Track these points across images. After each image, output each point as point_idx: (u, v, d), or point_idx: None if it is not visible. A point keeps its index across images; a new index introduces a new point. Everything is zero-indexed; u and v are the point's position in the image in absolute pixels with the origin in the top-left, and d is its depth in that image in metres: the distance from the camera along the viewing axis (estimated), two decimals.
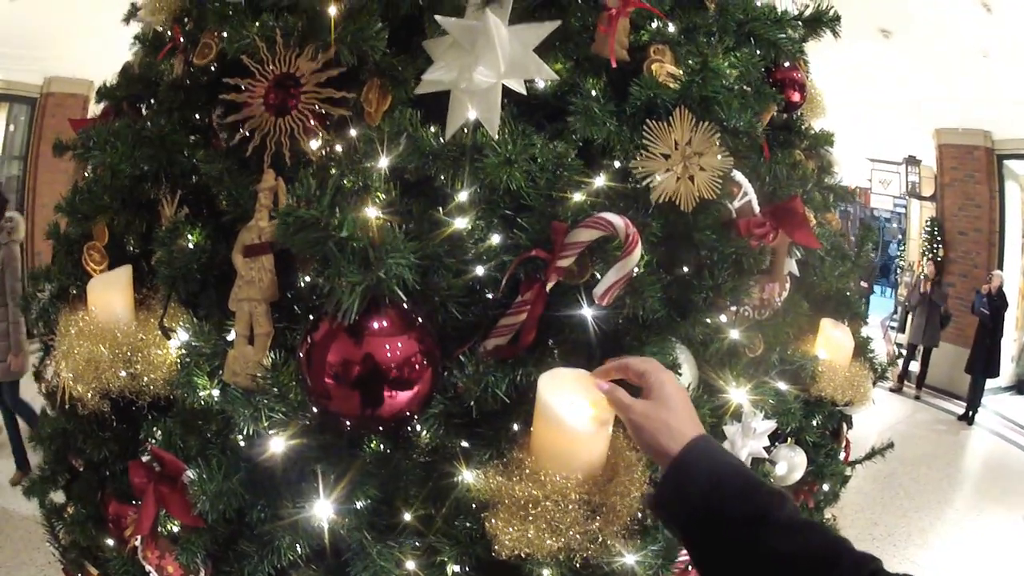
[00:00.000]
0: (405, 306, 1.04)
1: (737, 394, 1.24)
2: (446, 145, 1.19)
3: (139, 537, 1.35)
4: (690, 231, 1.17)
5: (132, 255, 1.52)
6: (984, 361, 7.30)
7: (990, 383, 7.66)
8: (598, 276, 1.10)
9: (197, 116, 1.52)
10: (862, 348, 1.63)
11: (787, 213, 1.34)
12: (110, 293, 1.43)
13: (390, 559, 1.09)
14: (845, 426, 1.75)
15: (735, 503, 0.80)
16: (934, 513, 5.25)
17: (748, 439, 1.31)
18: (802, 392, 1.45)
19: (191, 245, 1.36)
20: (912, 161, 9.42)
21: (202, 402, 1.26)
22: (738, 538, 0.79)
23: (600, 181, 1.20)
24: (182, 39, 1.54)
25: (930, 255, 8.78)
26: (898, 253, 10.76)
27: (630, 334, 1.12)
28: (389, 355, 0.99)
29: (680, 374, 1.14)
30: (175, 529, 1.34)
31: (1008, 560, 4.59)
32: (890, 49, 6.32)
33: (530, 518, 0.99)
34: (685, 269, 1.19)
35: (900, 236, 10.97)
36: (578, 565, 1.00)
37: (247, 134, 1.31)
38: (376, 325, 1.00)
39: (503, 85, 1.15)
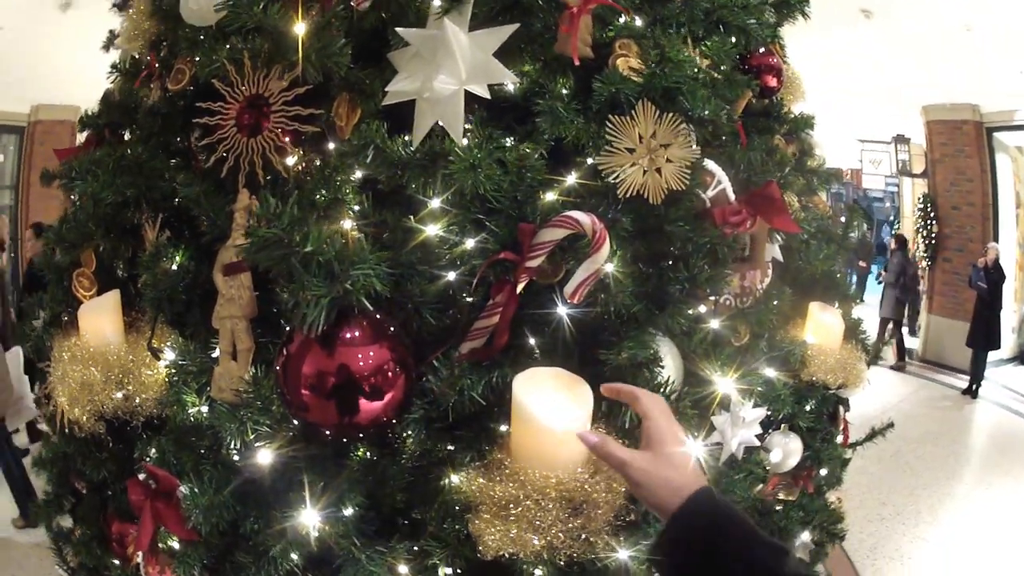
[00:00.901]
0: (377, 316, 1.05)
1: (723, 383, 1.24)
2: (415, 154, 1.20)
3: (140, 553, 1.38)
4: (662, 224, 1.17)
5: (121, 279, 1.54)
6: (984, 334, 7.17)
7: (992, 355, 7.52)
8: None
9: (178, 139, 1.55)
10: (853, 330, 1.62)
11: (764, 200, 1.33)
12: (100, 318, 1.46)
13: (380, 564, 1.10)
14: (842, 409, 1.73)
15: (738, 563, 0.79)
16: (943, 489, 5.17)
17: (738, 428, 1.30)
18: (792, 378, 1.44)
19: (175, 267, 1.38)
20: (901, 140, 9.29)
21: (192, 419, 1.28)
22: None
23: (571, 179, 1.21)
24: (157, 65, 1.56)
25: (897, 228, 8.68)
26: (892, 232, 10.56)
27: (608, 329, 1.12)
28: (362, 364, 1.00)
29: (662, 367, 1.14)
30: (175, 544, 1.36)
31: (1021, 533, 4.51)
32: (872, 29, 6.24)
33: (511, 518, 0.99)
34: (661, 263, 1.19)
35: (893, 215, 10.76)
36: (563, 563, 1.00)
37: (224, 155, 1.34)
38: (348, 335, 1.01)
39: (468, 91, 1.16)
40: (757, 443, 1.36)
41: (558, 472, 1.01)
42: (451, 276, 1.10)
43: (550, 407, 1.01)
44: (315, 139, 1.32)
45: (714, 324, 1.23)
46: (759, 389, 1.32)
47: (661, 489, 0.84)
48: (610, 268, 1.10)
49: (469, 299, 1.10)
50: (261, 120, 1.33)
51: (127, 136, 1.71)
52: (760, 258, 1.36)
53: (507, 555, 1.00)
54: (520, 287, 1.06)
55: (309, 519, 1.09)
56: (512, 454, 1.04)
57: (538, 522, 0.99)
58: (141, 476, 1.37)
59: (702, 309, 1.23)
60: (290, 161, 1.31)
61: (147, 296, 1.37)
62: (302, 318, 0.96)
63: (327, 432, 1.05)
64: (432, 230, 1.14)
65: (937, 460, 5.70)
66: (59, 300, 1.59)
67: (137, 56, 1.67)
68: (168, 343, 1.35)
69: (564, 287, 1.07)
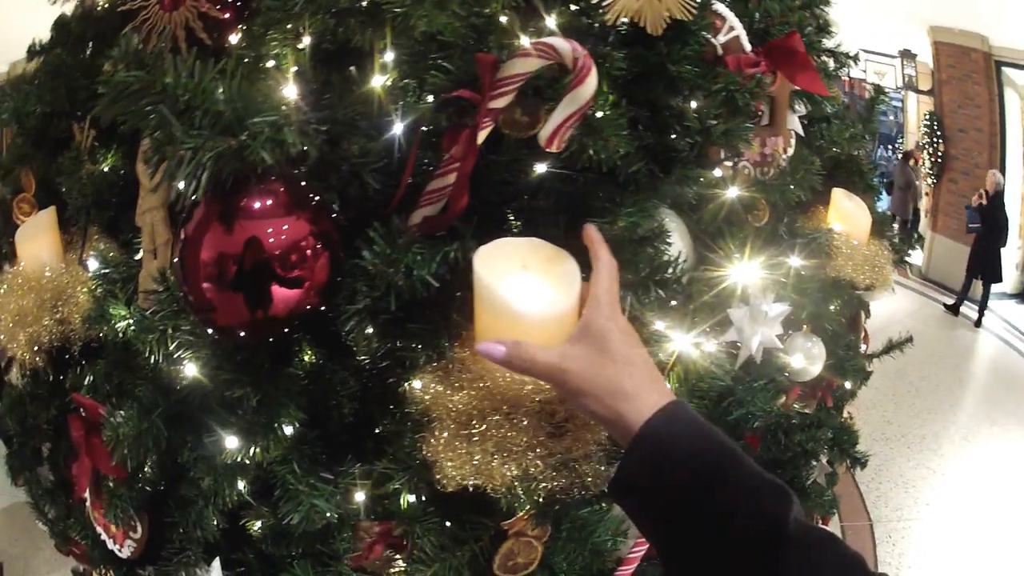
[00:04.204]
0: (301, 182, 0.69)
1: (745, 270, 0.86)
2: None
3: (88, 497, 1.05)
4: (665, 64, 0.79)
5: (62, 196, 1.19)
6: (982, 267, 6.21)
7: (995, 288, 6.56)
8: None
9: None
10: (881, 225, 1.23)
11: (785, 52, 0.95)
12: (35, 239, 1.11)
13: (327, 494, 0.76)
14: (863, 315, 1.35)
15: (737, 509, 0.50)
16: (947, 417, 4.48)
17: (759, 325, 0.94)
18: (818, 271, 1.06)
19: (105, 169, 1.03)
20: (908, 55, 7.97)
21: (121, 335, 0.94)
22: (740, 560, 0.49)
23: (551, 22, 0.83)
24: None
25: (901, 142, 7.67)
26: (896, 145, 9.21)
27: (602, 194, 0.75)
28: (273, 241, 0.65)
29: (669, 243, 0.77)
30: None
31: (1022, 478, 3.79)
32: None
33: (475, 438, 0.64)
34: (665, 113, 0.80)
35: (896, 129, 9.39)
36: (541, 498, 0.65)
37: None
38: (256, 205, 0.66)
39: None
40: (779, 344, 0.99)
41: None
42: (398, 129, 0.73)
43: (524, 288, 0.65)
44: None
45: (732, 192, 0.85)
46: (783, 280, 0.95)
47: (607, 397, 0.54)
48: (599, 115, 0.73)
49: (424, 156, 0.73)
50: None
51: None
52: (782, 123, 0.98)
53: (471, 487, 0.65)
54: (482, 136, 0.69)
55: (233, 444, 0.75)
56: (478, 352, 0.68)
57: (509, 444, 0.64)
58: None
59: (717, 174, 0.85)
60: (234, 39, 0.97)
61: (72, 204, 1.03)
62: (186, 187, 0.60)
63: (242, 334, 0.70)
64: (377, 80, 0.77)
65: (942, 385, 4.97)
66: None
67: None
68: (93, 252, 1.00)
69: (539, 136, 0.70)
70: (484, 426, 0.63)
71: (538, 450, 0.64)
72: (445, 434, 0.65)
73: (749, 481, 0.51)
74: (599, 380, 0.54)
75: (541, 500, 0.66)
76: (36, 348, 1.08)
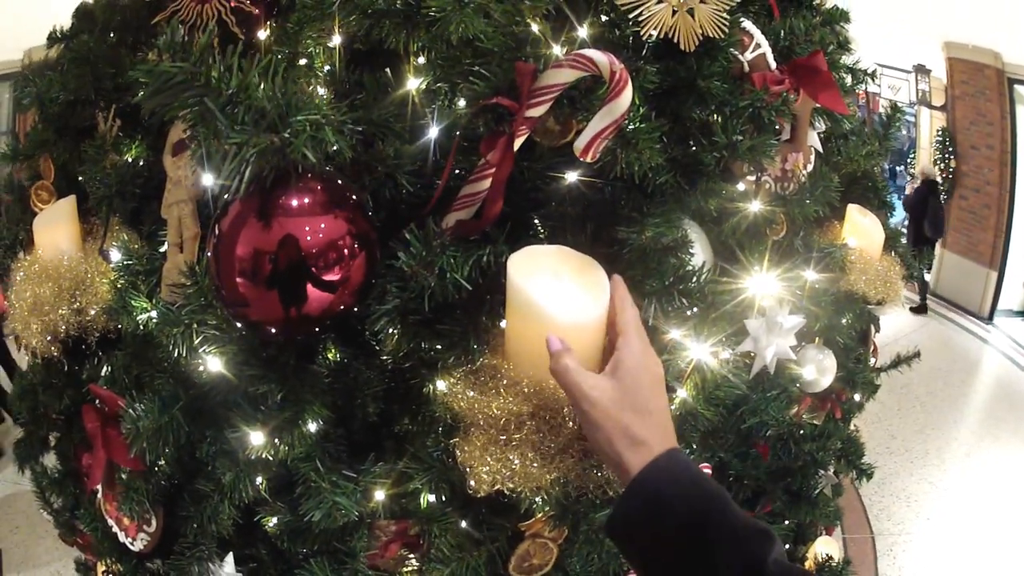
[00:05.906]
0: (338, 180, 0.71)
1: (762, 281, 0.88)
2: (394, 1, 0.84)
3: (99, 489, 1.06)
4: (695, 79, 0.81)
5: (81, 186, 1.20)
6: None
7: (1001, 305, 6.66)
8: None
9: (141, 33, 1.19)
10: (892, 240, 1.25)
11: (809, 71, 0.97)
12: (54, 227, 1.12)
13: (349, 492, 0.77)
14: (873, 329, 1.37)
15: (720, 550, 0.53)
16: (950, 433, 4.49)
17: (774, 336, 0.96)
18: (832, 284, 1.09)
19: (130, 159, 1.04)
20: (922, 70, 7.90)
21: (142, 327, 0.95)
22: None
23: (582, 32, 0.84)
24: None
25: (913, 157, 7.65)
26: (908, 160, 9.11)
27: (628, 204, 0.77)
28: (310, 239, 0.66)
29: (692, 253, 0.79)
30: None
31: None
32: None
33: (513, 443, 0.65)
34: (693, 128, 0.82)
35: (909, 145, 9.26)
36: (574, 496, 0.66)
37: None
38: (294, 203, 0.67)
39: None
40: (792, 356, 1.01)
41: None
42: (433, 133, 0.75)
43: (556, 294, 0.66)
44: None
45: (755, 206, 0.87)
46: (798, 293, 0.97)
47: (618, 439, 0.57)
48: (632, 127, 0.75)
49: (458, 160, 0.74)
50: None
51: None
52: (803, 139, 1.00)
53: (506, 492, 0.66)
54: (518, 143, 0.71)
55: (258, 440, 0.76)
56: (511, 357, 0.70)
57: (547, 448, 0.65)
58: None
59: (740, 188, 0.87)
60: (262, 35, 0.99)
61: (94, 194, 1.04)
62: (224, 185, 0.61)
63: (274, 331, 0.71)
64: (413, 83, 0.79)
65: (947, 400, 4.98)
66: (17, 220, 1.25)
67: None
68: (115, 243, 1.01)
69: (574, 146, 0.71)
70: (524, 431, 0.65)
71: (573, 452, 0.65)
72: (480, 440, 0.66)
73: (734, 525, 0.54)
74: (618, 422, 0.56)
75: (574, 500, 0.67)
76: (51, 337, 1.09)
